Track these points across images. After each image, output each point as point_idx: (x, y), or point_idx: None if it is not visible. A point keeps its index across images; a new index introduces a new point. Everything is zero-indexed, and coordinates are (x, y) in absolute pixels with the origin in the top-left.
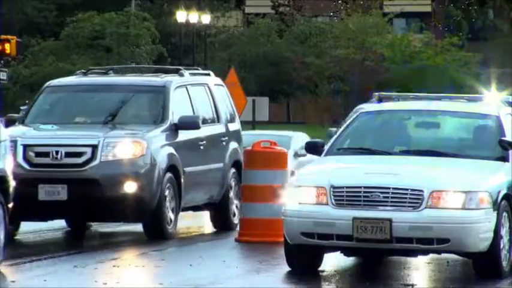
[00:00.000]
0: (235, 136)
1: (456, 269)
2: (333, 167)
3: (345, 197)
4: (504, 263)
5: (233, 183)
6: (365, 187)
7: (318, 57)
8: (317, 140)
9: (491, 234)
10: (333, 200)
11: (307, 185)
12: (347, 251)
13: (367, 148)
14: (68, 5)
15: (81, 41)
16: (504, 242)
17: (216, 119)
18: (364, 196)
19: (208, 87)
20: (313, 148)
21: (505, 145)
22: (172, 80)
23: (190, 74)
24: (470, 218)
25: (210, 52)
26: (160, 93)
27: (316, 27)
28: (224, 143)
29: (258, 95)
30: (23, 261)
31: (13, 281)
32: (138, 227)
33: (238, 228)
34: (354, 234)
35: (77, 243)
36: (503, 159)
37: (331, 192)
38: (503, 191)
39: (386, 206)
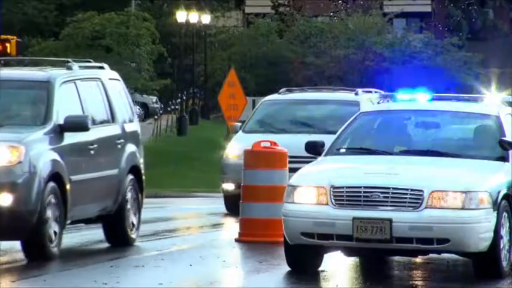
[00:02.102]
0: (133, 138)
1: (456, 269)
2: (333, 167)
3: (345, 197)
4: (504, 263)
5: (130, 192)
6: (365, 187)
7: (318, 57)
8: (317, 140)
9: (491, 234)
10: (333, 200)
11: (307, 185)
12: (347, 251)
13: (367, 148)
14: (68, 5)
15: (81, 41)
16: (504, 242)
17: (111, 119)
18: (364, 196)
19: (102, 83)
20: (313, 148)
21: (505, 145)
22: (58, 74)
23: (80, 67)
24: (470, 218)
25: (210, 52)
26: (44, 90)
27: (316, 27)
28: (120, 146)
29: (257, 95)
30: (22, 261)
31: (13, 281)
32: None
33: (135, 243)
34: (354, 234)
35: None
36: (503, 159)
37: (331, 192)
38: (503, 191)
39: (386, 206)
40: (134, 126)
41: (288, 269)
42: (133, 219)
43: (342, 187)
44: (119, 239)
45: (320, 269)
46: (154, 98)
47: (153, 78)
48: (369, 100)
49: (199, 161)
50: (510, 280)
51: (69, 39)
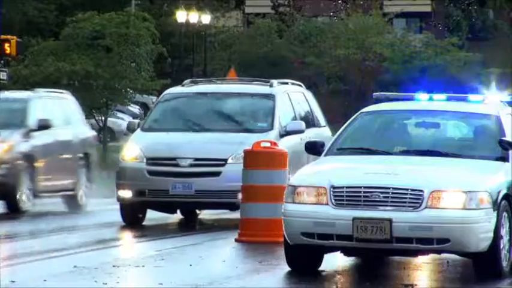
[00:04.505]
0: None
1: (456, 269)
2: (333, 167)
3: (345, 197)
4: (504, 263)
5: None
6: (365, 187)
7: (318, 57)
8: (317, 140)
9: (491, 234)
10: (333, 200)
11: (307, 185)
12: (347, 251)
13: (367, 148)
14: (68, 5)
15: (81, 41)
16: (504, 242)
17: None
18: (364, 196)
19: None
20: (313, 148)
21: (505, 145)
22: None
23: None
24: (470, 218)
25: (210, 52)
26: None
27: (316, 27)
28: None
29: None
30: (22, 261)
31: (13, 281)
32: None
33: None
34: (354, 234)
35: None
36: (503, 159)
37: (331, 192)
38: (503, 191)
39: (386, 206)
40: None
41: (288, 269)
42: None
43: (342, 187)
44: None
45: (320, 269)
46: (154, 98)
47: (153, 78)
48: (285, 93)
49: None
50: (510, 280)
51: (69, 39)
